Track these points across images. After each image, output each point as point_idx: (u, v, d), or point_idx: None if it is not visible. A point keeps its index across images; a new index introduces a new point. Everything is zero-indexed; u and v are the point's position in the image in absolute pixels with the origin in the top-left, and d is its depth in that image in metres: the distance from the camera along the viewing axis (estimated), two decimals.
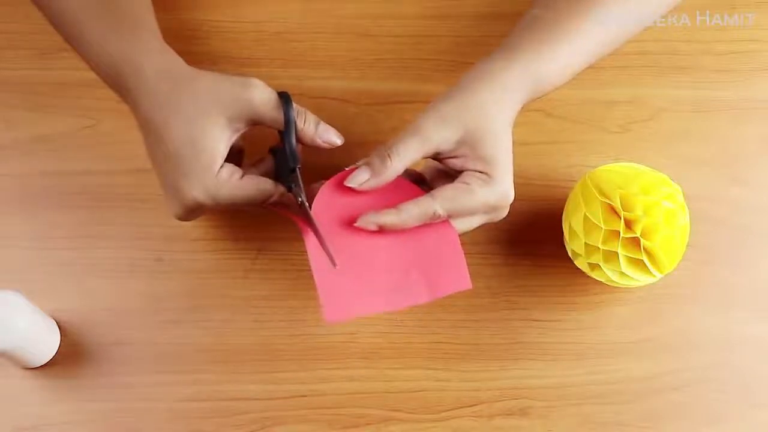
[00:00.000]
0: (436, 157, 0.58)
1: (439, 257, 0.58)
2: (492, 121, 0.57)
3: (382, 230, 0.56)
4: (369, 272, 0.58)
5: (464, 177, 0.57)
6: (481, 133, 0.56)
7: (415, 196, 0.58)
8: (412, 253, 0.58)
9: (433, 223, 0.57)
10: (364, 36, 0.74)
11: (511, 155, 0.58)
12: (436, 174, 0.61)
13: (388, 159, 0.56)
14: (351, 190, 0.57)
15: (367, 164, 0.57)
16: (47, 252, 0.66)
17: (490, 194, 0.57)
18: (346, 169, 0.58)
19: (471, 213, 0.57)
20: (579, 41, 0.61)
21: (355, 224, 0.56)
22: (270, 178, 0.60)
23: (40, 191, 0.68)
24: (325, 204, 0.58)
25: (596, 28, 0.61)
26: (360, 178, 0.57)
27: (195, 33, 0.73)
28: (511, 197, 0.58)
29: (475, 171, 0.57)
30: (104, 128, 0.69)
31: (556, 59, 0.60)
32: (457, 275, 0.58)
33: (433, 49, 0.74)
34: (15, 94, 0.70)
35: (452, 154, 0.57)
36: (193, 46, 0.72)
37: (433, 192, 0.57)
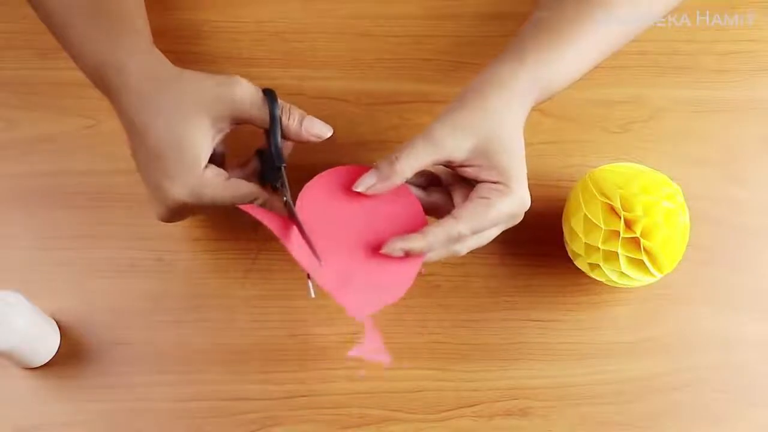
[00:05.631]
0: (449, 165, 0.57)
1: (379, 285, 0.57)
2: (505, 128, 0.57)
3: (408, 255, 0.56)
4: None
5: (481, 191, 0.56)
6: (495, 142, 0.56)
7: (411, 202, 0.58)
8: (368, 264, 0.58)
9: (409, 263, 0.57)
10: (364, 36, 0.74)
11: (524, 161, 0.57)
12: (452, 177, 0.60)
13: (397, 162, 0.55)
14: (339, 189, 0.57)
15: (375, 167, 0.56)
16: (47, 252, 0.66)
17: (510, 204, 0.56)
18: (336, 168, 0.58)
19: (493, 226, 0.57)
20: (586, 43, 0.61)
21: (381, 251, 0.56)
22: (255, 179, 0.60)
23: (40, 191, 0.68)
24: (310, 200, 0.57)
25: (602, 29, 0.61)
26: (368, 181, 0.56)
27: (195, 33, 0.73)
28: (528, 203, 0.58)
29: (492, 182, 0.56)
30: (104, 128, 0.69)
31: (564, 62, 0.60)
32: (359, 306, 0.57)
33: (433, 49, 0.74)
34: (15, 94, 0.70)
35: (466, 163, 0.56)
36: (193, 46, 0.72)
37: (455, 212, 0.56)
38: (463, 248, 0.57)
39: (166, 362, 0.65)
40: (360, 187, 0.56)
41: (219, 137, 0.58)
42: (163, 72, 0.58)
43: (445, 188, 0.60)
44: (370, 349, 0.58)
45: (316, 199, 0.58)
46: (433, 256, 0.57)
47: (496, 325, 0.67)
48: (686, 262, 0.64)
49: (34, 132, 0.69)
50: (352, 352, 0.57)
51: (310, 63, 0.73)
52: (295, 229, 0.57)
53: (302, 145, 0.59)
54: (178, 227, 0.67)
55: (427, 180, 0.61)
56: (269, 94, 0.57)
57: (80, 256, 0.66)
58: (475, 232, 0.56)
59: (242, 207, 0.57)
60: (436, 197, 0.60)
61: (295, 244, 0.57)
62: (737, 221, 0.71)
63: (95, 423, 0.63)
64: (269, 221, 0.57)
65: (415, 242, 0.55)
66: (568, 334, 0.67)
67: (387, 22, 0.75)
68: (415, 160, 0.55)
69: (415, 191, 0.59)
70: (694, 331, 0.68)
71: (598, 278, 0.64)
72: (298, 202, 0.57)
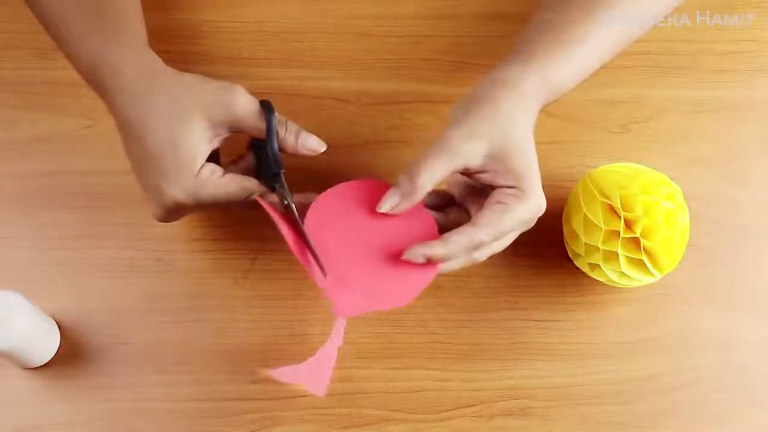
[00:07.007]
0: (465, 173, 0.57)
1: (384, 292, 0.57)
2: (517, 131, 0.56)
3: (429, 262, 0.56)
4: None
5: (498, 196, 0.56)
6: (508, 146, 0.56)
7: (424, 218, 0.58)
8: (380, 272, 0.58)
9: (421, 275, 0.57)
10: (364, 36, 0.74)
11: (537, 164, 0.57)
12: (464, 190, 0.60)
13: (417, 178, 0.55)
14: (351, 204, 0.57)
15: (396, 186, 0.56)
16: (47, 252, 0.66)
17: (526, 209, 0.56)
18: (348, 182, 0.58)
19: (511, 231, 0.57)
20: (592, 44, 0.60)
21: (403, 257, 0.56)
22: (251, 174, 0.60)
23: (40, 191, 0.68)
24: (321, 213, 0.58)
25: (607, 30, 0.61)
26: (391, 201, 0.56)
27: (195, 33, 0.73)
28: (544, 208, 0.57)
29: (508, 187, 0.56)
30: (104, 128, 0.69)
31: (571, 64, 0.60)
32: (348, 308, 0.57)
33: (433, 49, 0.74)
34: (15, 94, 0.70)
35: (481, 169, 0.56)
36: (192, 46, 0.72)
37: (473, 220, 0.56)
38: (483, 255, 0.57)
39: (166, 362, 0.65)
40: (384, 207, 0.56)
41: (216, 141, 0.58)
42: (159, 72, 0.58)
43: (461, 205, 0.60)
44: (312, 371, 0.56)
45: (327, 214, 0.58)
46: (453, 264, 0.57)
47: (496, 325, 0.67)
48: (686, 262, 0.64)
49: (33, 132, 0.69)
50: (280, 374, 0.54)
51: (309, 63, 0.73)
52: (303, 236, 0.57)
53: (289, 155, 0.60)
54: (178, 227, 0.67)
55: (444, 200, 0.61)
56: (266, 106, 0.58)
57: (80, 256, 0.66)
58: (494, 238, 0.56)
59: (261, 203, 0.57)
60: (454, 216, 0.59)
61: (304, 253, 0.57)
62: (737, 221, 0.71)
63: (95, 423, 0.63)
64: (282, 226, 0.57)
65: (436, 249, 0.55)
66: (568, 334, 0.67)
67: (387, 22, 0.75)
68: (434, 172, 0.55)
69: (434, 214, 0.59)
70: (694, 331, 0.68)
71: (598, 278, 0.64)
72: (308, 215, 0.58)
